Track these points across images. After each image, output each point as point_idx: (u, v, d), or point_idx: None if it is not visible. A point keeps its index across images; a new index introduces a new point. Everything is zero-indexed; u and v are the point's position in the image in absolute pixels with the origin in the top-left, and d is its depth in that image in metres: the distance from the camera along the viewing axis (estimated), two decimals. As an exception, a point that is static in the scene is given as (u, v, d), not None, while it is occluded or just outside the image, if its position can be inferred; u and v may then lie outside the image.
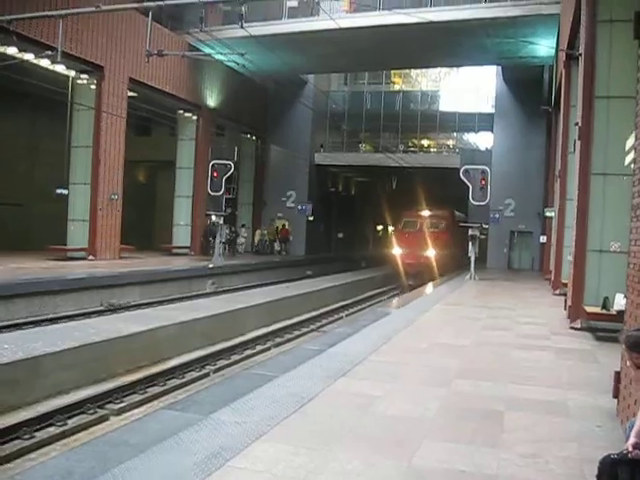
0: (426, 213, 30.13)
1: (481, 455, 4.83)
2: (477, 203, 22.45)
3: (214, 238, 27.58)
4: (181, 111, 29.66)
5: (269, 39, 24.97)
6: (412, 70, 41.26)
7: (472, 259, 23.13)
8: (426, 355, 8.64)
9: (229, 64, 26.51)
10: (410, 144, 42.01)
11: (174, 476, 4.17)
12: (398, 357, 8.41)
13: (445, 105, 41.16)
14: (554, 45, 23.68)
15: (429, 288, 20.65)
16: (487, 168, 22.73)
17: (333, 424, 5.40)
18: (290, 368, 7.42)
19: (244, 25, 16.57)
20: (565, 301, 13.64)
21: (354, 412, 5.79)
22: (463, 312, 13.87)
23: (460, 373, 7.58)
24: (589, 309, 11.10)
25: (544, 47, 24.82)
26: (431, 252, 26.77)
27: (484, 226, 24.89)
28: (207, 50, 24.64)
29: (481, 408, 6.14)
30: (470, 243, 23.10)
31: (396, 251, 27.78)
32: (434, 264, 26.22)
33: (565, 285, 15.16)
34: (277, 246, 35.54)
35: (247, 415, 5.52)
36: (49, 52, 16.64)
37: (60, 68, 21.91)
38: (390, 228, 39.65)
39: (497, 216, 30.00)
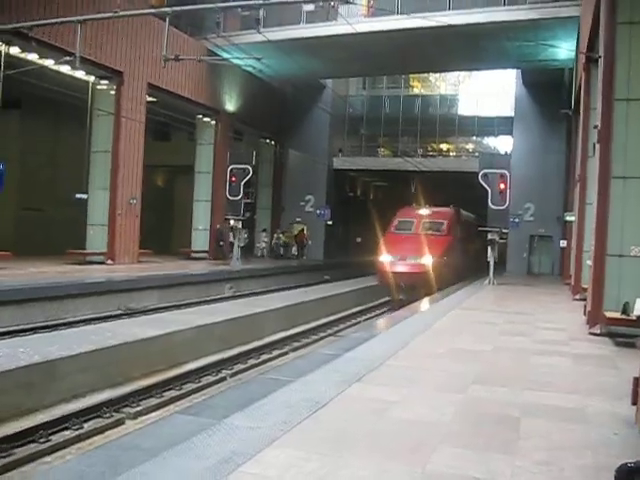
0: (424, 212, 26.01)
1: (495, 462, 4.76)
2: (496, 207, 22.30)
3: (223, 242, 27.71)
4: (200, 116, 29.78)
5: (286, 44, 25.02)
6: (431, 74, 41.17)
7: (491, 264, 22.98)
8: (443, 360, 8.56)
9: (247, 69, 26.59)
10: (429, 148, 41.91)
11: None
12: (414, 362, 8.34)
13: (464, 109, 41.05)
14: (574, 48, 23.52)
15: (440, 298, 18.50)
16: (506, 172, 22.56)
17: (347, 429, 5.36)
18: (305, 373, 7.38)
19: (262, 30, 16.58)
20: (584, 306, 13.50)
21: (368, 417, 5.74)
22: (481, 317, 13.77)
23: (477, 379, 7.50)
24: (609, 314, 10.95)
25: (564, 50, 24.67)
26: (428, 259, 21.91)
27: (503, 231, 24.69)
28: (225, 55, 24.73)
29: (497, 414, 6.06)
30: (489, 248, 22.96)
31: (385, 258, 22.61)
32: (431, 275, 21.37)
33: (585, 290, 14.99)
34: (294, 250, 35.53)
35: (260, 420, 5.49)
36: (67, 58, 16.74)
37: (80, 74, 22.11)
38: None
39: (517, 220, 29.75)
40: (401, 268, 21.85)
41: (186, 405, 8.47)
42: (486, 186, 22.18)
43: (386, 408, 6.02)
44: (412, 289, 21.41)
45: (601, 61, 12.46)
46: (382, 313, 20.51)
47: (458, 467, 4.62)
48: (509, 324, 12.73)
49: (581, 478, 4.55)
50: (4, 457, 6.96)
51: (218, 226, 28.73)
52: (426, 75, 41.38)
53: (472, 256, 28.97)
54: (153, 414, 8.82)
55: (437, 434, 5.34)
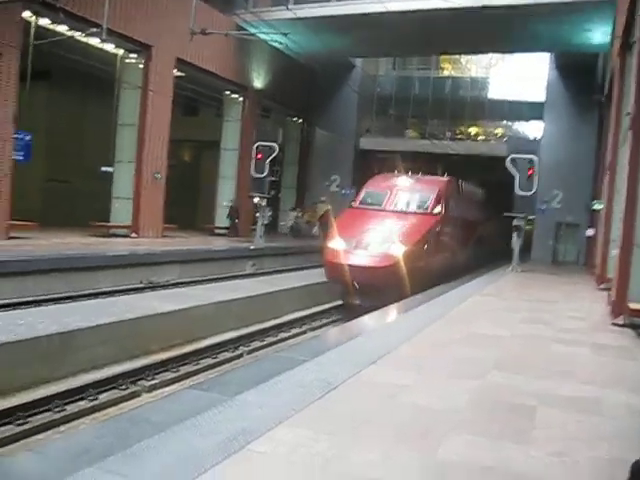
0: (403, 181, 19.65)
1: (509, 451, 4.68)
2: (523, 193, 21.99)
3: (238, 219, 27.88)
4: (227, 92, 29.70)
5: (315, 21, 24.81)
6: (462, 56, 40.64)
7: (515, 250, 22.72)
8: (460, 347, 8.47)
9: (275, 45, 26.41)
10: (457, 131, 41.46)
11: (191, 456, 4.12)
12: (430, 348, 8.26)
13: (495, 92, 40.45)
14: (609, 32, 23.00)
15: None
16: (535, 157, 22.24)
17: (358, 412, 5.31)
18: (319, 353, 7.35)
19: (291, 7, 16.43)
20: (609, 296, 13.30)
21: (380, 401, 5.69)
22: (501, 304, 13.63)
23: (494, 366, 7.40)
24: (633, 305, 10.78)
25: (599, 34, 24.15)
26: (398, 248, 15.49)
27: (530, 217, 24.36)
28: (253, 31, 24.58)
29: (512, 402, 5.98)
30: (514, 234, 22.69)
31: (336, 244, 15.99)
32: (403, 271, 15.09)
33: (610, 280, 14.78)
34: (316, 230, 35.37)
35: (272, 398, 5.47)
36: (95, 29, 16.74)
37: (109, 47, 22.12)
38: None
39: (544, 207, 29.37)
40: (356, 259, 15.37)
41: (201, 380, 8.48)
42: (513, 171, 21.87)
43: (398, 393, 5.96)
44: (372, 291, 14.98)
45: (636, 46, 12.16)
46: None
47: (470, 455, 4.56)
48: (530, 312, 12.58)
49: (595, 470, 4.47)
50: (20, 425, 7.05)
51: (231, 203, 28.73)
52: (457, 57, 40.81)
53: (483, 244, 25.62)
54: (168, 388, 8.87)
55: (449, 421, 5.28)
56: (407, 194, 18.57)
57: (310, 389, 5.79)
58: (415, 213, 17.85)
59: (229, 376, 6.63)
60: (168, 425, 4.65)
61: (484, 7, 21.45)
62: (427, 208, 17.97)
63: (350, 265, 15.14)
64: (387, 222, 16.98)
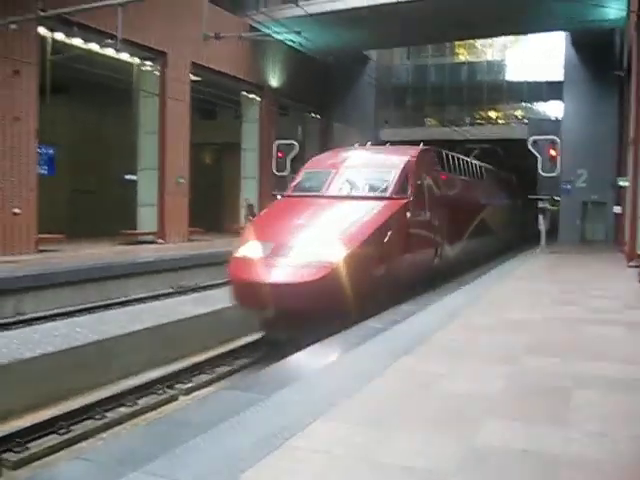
0: (357, 156, 14.52)
1: (545, 434, 4.68)
2: (547, 175, 21.82)
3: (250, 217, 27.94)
4: (244, 92, 29.82)
5: (326, 16, 24.81)
6: (477, 40, 40.39)
7: (542, 232, 22.59)
8: (492, 331, 8.46)
9: (289, 43, 26.46)
10: (477, 116, 41.25)
11: (233, 455, 4.18)
12: (463, 334, 8.26)
13: (512, 75, 40.18)
14: (625, 7, 22.70)
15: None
16: (556, 138, 22.05)
17: (394, 403, 5.35)
18: (354, 346, 7.39)
19: (301, 3, 16.47)
20: (639, 274, 13.18)
21: (416, 390, 5.71)
22: (532, 286, 13.57)
23: (527, 349, 7.39)
24: (665, 280, 10.67)
25: (614, 9, 23.82)
26: (336, 253, 10.31)
27: (555, 198, 24.20)
28: (266, 31, 24.65)
29: (548, 385, 5.96)
30: (540, 216, 22.58)
31: (249, 251, 10.88)
32: (344, 285, 9.98)
33: (640, 256, 14.64)
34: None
35: (308, 394, 5.52)
36: (110, 41, 16.94)
37: (124, 56, 22.32)
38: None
39: (569, 187, 29.08)
40: (272, 273, 10.10)
41: (236, 380, 8.57)
42: (536, 153, 21.70)
43: (434, 381, 5.99)
44: (298, 320, 9.78)
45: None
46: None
47: (507, 439, 4.57)
48: (561, 293, 12.50)
49: (635, 448, 4.45)
50: (63, 434, 7.18)
51: (248, 202, 28.85)
52: (472, 42, 40.56)
53: (495, 233, 22.05)
54: (205, 390, 8.97)
55: (486, 406, 5.29)
56: (359, 173, 13.10)
57: (346, 383, 5.83)
58: (368, 198, 12.26)
59: (266, 375, 6.69)
60: (209, 426, 4.72)
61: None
62: (386, 190, 12.34)
63: (264, 282, 9.85)
64: (326, 214, 11.78)
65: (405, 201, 12.26)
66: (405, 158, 13.40)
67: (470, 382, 6.01)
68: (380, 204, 11.92)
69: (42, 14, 16.08)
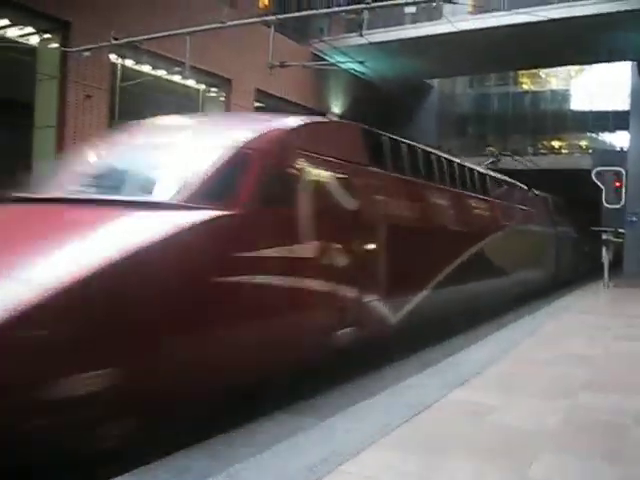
0: (158, 130, 8.00)
1: (600, 472, 4.61)
2: (611, 206, 21.41)
3: None
4: (307, 120, 30.16)
5: (389, 45, 25.03)
6: (541, 69, 40.10)
7: (605, 265, 22.11)
8: (549, 366, 8.33)
9: (352, 72, 26.75)
10: (540, 146, 40.80)
11: (285, 477, 4.27)
12: (519, 367, 8.17)
13: (577, 104, 39.73)
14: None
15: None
16: (622, 169, 21.64)
17: (445, 433, 5.34)
18: (406, 376, 7.40)
19: (364, 33, 16.72)
20: None
21: (468, 422, 5.69)
22: (593, 321, 13.28)
23: (586, 385, 7.26)
24: None
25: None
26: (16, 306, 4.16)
27: (619, 230, 23.69)
28: (329, 59, 25.01)
29: (606, 422, 5.85)
30: (604, 248, 22.13)
31: None
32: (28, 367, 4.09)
33: None
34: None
35: (360, 422, 5.56)
36: (178, 68, 17.50)
37: (191, 82, 22.93)
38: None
39: (634, 219, 28.39)
40: None
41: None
42: (600, 184, 21.34)
43: (487, 413, 5.94)
44: None
45: None
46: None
47: (560, 475, 4.53)
48: (625, 328, 12.20)
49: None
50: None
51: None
52: (536, 71, 40.26)
53: (494, 274, 14.98)
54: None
55: (540, 441, 5.23)
56: (139, 157, 7.05)
57: (397, 412, 5.85)
58: (127, 205, 5.96)
59: (317, 400, 6.76)
60: (261, 448, 4.81)
61: (556, 20, 21.09)
62: (179, 191, 6.14)
63: None
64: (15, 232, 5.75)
65: (224, 215, 5.98)
66: (247, 134, 6.99)
67: (524, 415, 5.95)
68: (150, 219, 5.71)
69: (114, 42, 16.69)
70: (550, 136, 40.63)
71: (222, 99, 24.44)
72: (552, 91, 40.45)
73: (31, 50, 18.06)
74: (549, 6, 22.81)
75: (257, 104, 25.73)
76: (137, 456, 4.57)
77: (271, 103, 26.49)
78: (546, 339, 10.73)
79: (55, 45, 18.06)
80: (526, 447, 5.05)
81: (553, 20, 20.56)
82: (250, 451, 4.73)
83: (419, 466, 4.56)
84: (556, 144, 41.34)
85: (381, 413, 5.83)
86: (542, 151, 40.00)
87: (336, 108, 30.69)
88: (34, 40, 18.05)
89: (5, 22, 17.12)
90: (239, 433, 5.53)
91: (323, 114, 29.84)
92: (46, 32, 18.13)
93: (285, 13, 18.37)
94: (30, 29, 17.73)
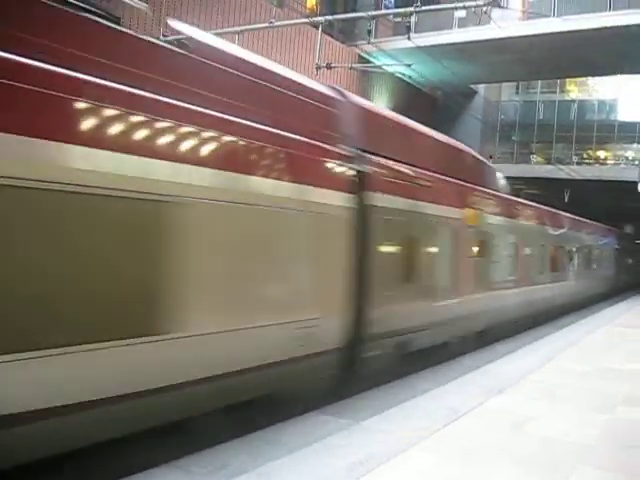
0: None
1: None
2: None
3: None
4: (350, 121, 30.14)
5: (436, 49, 24.83)
6: (588, 78, 39.47)
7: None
8: (589, 378, 8.21)
9: (397, 75, 26.64)
10: (585, 155, 40.16)
11: (322, 477, 4.28)
12: (558, 378, 8.06)
13: (625, 114, 38.92)
14: None
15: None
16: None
17: (484, 441, 5.30)
18: (446, 381, 7.36)
19: (413, 36, 16.66)
20: None
21: (506, 431, 5.63)
22: (636, 335, 13.03)
23: (626, 399, 7.14)
24: None
25: None
26: None
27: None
28: (375, 61, 24.97)
29: (646, 438, 5.76)
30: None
31: None
32: None
33: None
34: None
35: (398, 424, 5.55)
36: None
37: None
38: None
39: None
40: None
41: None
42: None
43: (525, 423, 5.88)
44: None
45: None
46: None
47: (600, 489, 4.47)
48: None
49: None
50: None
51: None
52: (583, 79, 39.63)
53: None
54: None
55: (578, 454, 5.15)
56: None
57: (436, 416, 5.83)
58: None
59: (355, 401, 6.76)
60: (298, 447, 4.83)
61: (608, 27, 20.69)
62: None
63: None
64: None
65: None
66: None
67: (563, 427, 5.87)
68: None
69: (163, 39, 16.89)
70: (596, 146, 39.95)
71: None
72: (599, 100, 39.75)
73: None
74: (600, 13, 22.42)
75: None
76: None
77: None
78: (586, 351, 10.58)
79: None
80: (565, 459, 4.99)
81: (606, 28, 20.25)
82: (288, 449, 4.76)
83: (456, 472, 4.53)
84: (601, 154, 40.63)
85: (419, 417, 5.82)
86: (587, 161, 39.35)
87: (379, 111, 30.63)
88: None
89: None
90: (279, 431, 5.56)
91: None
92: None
93: (332, 14, 18.34)
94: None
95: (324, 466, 4.47)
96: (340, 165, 7.13)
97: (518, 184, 43.06)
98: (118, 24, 17.64)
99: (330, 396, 6.53)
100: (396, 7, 23.19)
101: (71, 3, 5.02)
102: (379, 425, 5.49)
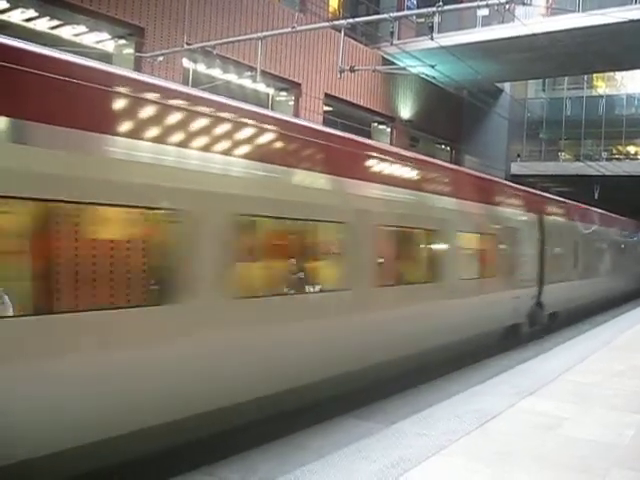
0: None
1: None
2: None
3: None
4: (375, 124, 30.08)
5: (460, 48, 24.68)
6: (616, 73, 38.96)
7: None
8: (622, 378, 8.08)
9: (421, 75, 26.55)
10: (614, 151, 39.62)
11: (352, 482, 4.27)
12: (591, 378, 7.94)
13: (655, 108, 38.38)
14: None
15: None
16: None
17: (515, 443, 5.24)
18: (476, 383, 7.30)
19: (436, 36, 16.56)
20: None
21: (538, 432, 5.56)
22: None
23: (661, 399, 7.02)
24: None
25: None
26: None
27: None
28: (398, 63, 24.91)
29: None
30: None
31: None
32: None
33: None
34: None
35: (428, 427, 5.51)
36: (249, 73, 17.68)
37: (261, 87, 23.16)
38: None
39: None
40: None
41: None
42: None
43: (558, 424, 5.81)
44: None
45: None
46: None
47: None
48: None
49: None
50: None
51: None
52: (611, 74, 39.12)
53: None
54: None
55: (612, 456, 5.07)
56: None
57: (466, 419, 5.78)
58: None
59: (385, 405, 6.73)
60: (327, 451, 4.82)
61: (634, 22, 20.38)
62: None
63: None
64: None
65: None
66: None
67: (596, 429, 5.78)
68: None
69: (187, 47, 16.99)
70: (625, 141, 39.37)
71: (291, 103, 24.61)
72: (628, 95, 39.18)
73: (106, 56, 18.54)
74: (625, 7, 22.14)
75: (326, 108, 25.81)
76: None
77: (340, 107, 26.54)
78: (619, 351, 10.41)
79: (130, 51, 18.51)
80: (597, 462, 4.90)
81: (631, 21, 19.96)
82: (319, 453, 4.75)
83: (486, 476, 4.49)
84: (631, 149, 40.05)
85: (449, 419, 5.77)
86: (616, 156, 38.79)
87: (405, 112, 30.53)
88: (109, 46, 18.53)
89: (82, 29, 17.61)
90: (309, 436, 5.56)
91: (392, 118, 29.79)
92: (121, 38, 18.58)
93: (355, 17, 18.32)
94: (105, 35, 18.19)
95: (354, 471, 4.45)
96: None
97: (546, 182, 42.71)
98: (142, 35, 17.90)
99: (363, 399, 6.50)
100: (418, 7, 23.05)
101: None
102: (410, 428, 5.45)
